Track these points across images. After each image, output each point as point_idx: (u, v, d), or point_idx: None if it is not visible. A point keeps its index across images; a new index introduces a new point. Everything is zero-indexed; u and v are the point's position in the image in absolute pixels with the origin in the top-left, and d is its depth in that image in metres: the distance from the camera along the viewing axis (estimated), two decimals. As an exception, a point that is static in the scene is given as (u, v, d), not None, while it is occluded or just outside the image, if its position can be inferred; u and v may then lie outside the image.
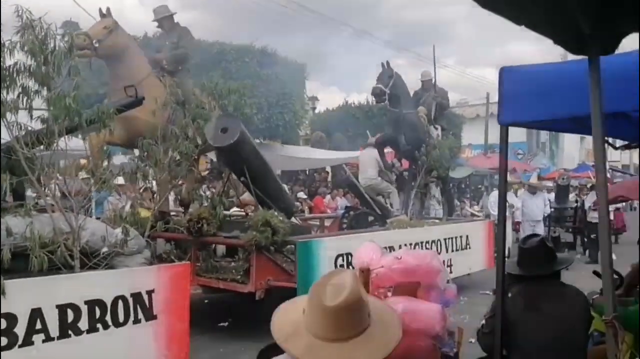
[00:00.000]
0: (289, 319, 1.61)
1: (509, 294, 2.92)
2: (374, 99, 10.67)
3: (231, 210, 9.34)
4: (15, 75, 3.77)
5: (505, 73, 3.02)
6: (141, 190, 7.69)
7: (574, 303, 2.86)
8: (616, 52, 2.05)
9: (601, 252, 2.27)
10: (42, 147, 4.14)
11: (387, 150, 10.60)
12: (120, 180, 6.71)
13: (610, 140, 4.06)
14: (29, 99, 3.88)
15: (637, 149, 4.58)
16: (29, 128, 4.09)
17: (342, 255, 6.23)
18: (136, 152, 7.44)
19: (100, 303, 4.06)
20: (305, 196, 14.57)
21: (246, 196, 8.12)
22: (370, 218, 8.84)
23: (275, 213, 6.24)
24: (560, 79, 2.85)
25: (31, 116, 4.01)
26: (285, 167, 15.85)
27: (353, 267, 2.65)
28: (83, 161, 6.62)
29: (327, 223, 9.70)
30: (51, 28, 3.86)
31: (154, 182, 7.02)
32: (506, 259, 4.39)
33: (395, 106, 9.63)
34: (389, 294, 2.28)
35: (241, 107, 6.70)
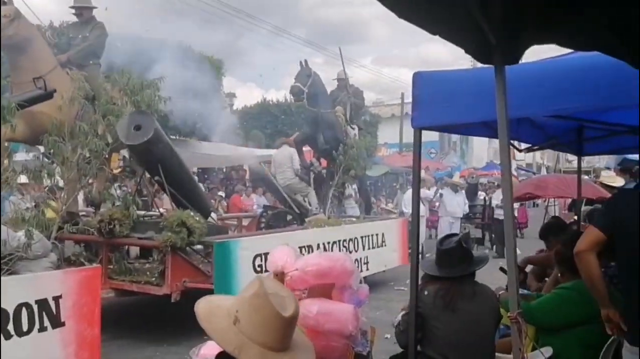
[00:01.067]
0: (222, 326, 1.61)
1: (425, 292, 3.02)
2: (292, 97, 10.71)
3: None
4: None
5: (419, 78, 3.13)
6: (46, 189, 7.28)
7: (486, 300, 3.02)
8: (521, 61, 2.19)
9: (507, 251, 2.41)
10: None
11: (306, 149, 10.67)
12: (23, 179, 6.31)
13: (516, 143, 4.34)
14: None
15: (539, 151, 4.94)
16: None
17: (260, 255, 6.21)
18: (41, 149, 7.04)
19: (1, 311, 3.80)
20: (222, 194, 14.39)
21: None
22: (289, 217, 8.87)
23: (191, 213, 6.11)
24: (470, 85, 3.00)
25: None
26: (202, 165, 15.58)
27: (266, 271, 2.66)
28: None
29: (245, 222, 9.63)
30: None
31: (61, 182, 6.66)
32: (421, 257, 4.56)
33: (313, 105, 9.71)
34: (304, 296, 2.31)
35: (155, 103, 6.48)
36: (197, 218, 6.10)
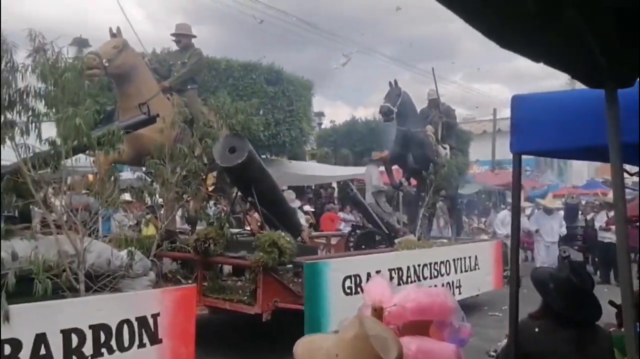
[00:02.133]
0: None
1: (536, 329, 2.78)
2: (381, 116, 10.67)
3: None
4: (25, 97, 3.76)
5: (517, 101, 2.98)
6: (147, 208, 7.69)
7: (603, 343, 2.74)
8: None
9: (621, 284, 2.19)
10: (48, 169, 4.11)
11: (395, 168, 10.57)
12: (127, 197, 6.70)
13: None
14: (38, 121, 3.88)
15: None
16: (37, 150, 4.08)
17: (349, 277, 6.17)
18: (144, 169, 7.46)
19: (105, 327, 4.01)
20: (311, 212, 14.54)
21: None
22: (378, 238, 8.77)
23: (282, 233, 6.19)
24: (574, 107, 2.81)
25: (40, 138, 4.00)
26: (292, 183, 15.82)
27: (362, 290, 2.59)
28: (90, 177, 6.63)
29: (333, 241, 9.64)
30: (62, 52, 3.87)
31: (161, 201, 7.00)
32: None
33: (402, 124, 9.62)
34: (398, 332, 2.22)
35: (248, 126, 6.68)
36: (288, 238, 6.17)
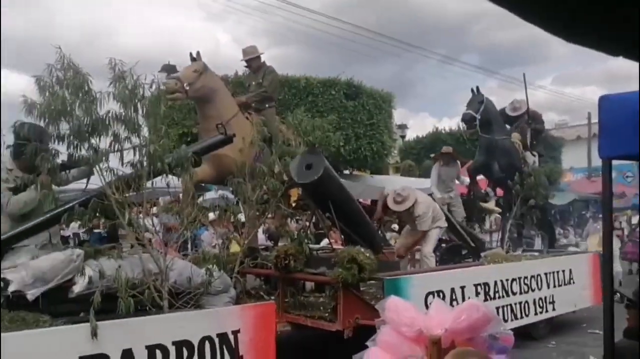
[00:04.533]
0: None
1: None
2: (463, 125, 10.34)
3: (322, 243, 9.34)
4: (107, 123, 3.97)
5: (606, 102, 2.76)
6: (232, 226, 7.88)
7: None
8: None
9: None
10: (131, 191, 4.30)
11: (480, 178, 10.19)
12: (212, 216, 6.90)
13: None
14: (119, 145, 4.08)
15: None
16: (120, 173, 4.28)
17: (432, 293, 5.96)
18: (227, 188, 7.67)
19: (187, 343, 4.10)
20: (396, 227, 14.31)
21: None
22: (464, 251, 8.46)
23: (362, 249, 6.10)
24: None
25: (122, 162, 4.20)
26: (375, 197, 15.70)
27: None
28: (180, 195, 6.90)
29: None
30: (140, 78, 4.05)
31: (243, 218, 7.15)
32: (618, 295, 3.95)
33: (486, 131, 9.27)
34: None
35: (327, 143, 6.69)
36: (368, 254, 6.07)
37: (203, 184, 7.52)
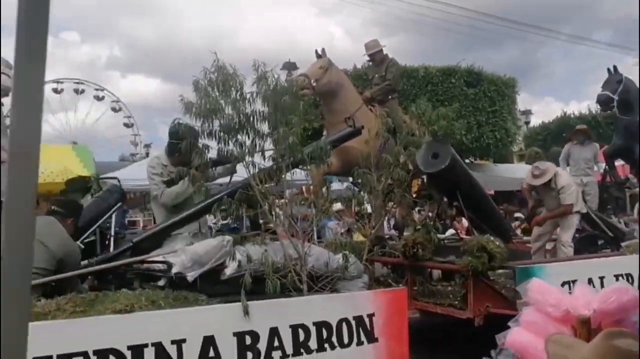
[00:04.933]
0: None
1: None
2: (598, 107, 9.74)
3: (447, 233, 9.30)
4: (252, 121, 4.34)
5: None
6: (357, 215, 8.10)
7: None
8: None
9: None
10: (272, 182, 4.66)
11: (618, 163, 9.55)
12: (338, 206, 7.16)
13: None
14: (262, 141, 4.45)
15: None
16: (262, 166, 4.65)
17: (567, 283, 5.75)
18: (351, 180, 7.91)
19: (326, 324, 4.35)
20: (522, 216, 13.80)
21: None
22: (600, 241, 8.01)
23: (491, 238, 6.04)
24: None
25: (264, 156, 4.57)
26: (499, 188, 15.23)
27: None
28: (306, 188, 7.25)
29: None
30: (280, 79, 4.38)
31: (369, 208, 7.34)
32: None
33: (626, 113, 8.68)
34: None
35: (451, 131, 6.67)
36: (497, 243, 5.99)
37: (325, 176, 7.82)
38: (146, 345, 3.72)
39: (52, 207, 4.83)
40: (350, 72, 12.90)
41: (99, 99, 40.88)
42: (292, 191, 7.43)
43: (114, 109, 41.57)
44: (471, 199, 6.66)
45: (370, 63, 8.45)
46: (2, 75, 5.60)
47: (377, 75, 8.09)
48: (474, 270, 5.75)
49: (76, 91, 40.15)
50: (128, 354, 3.63)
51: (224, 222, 12.20)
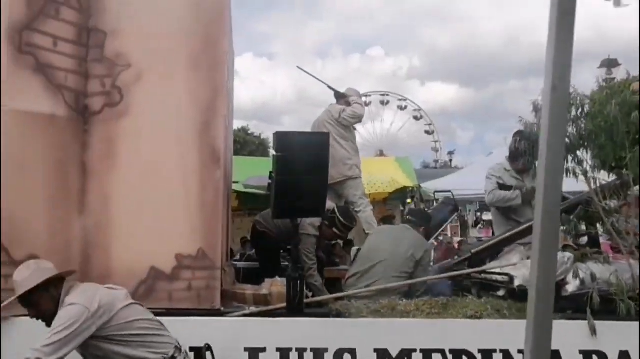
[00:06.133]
0: None
1: None
2: None
3: None
4: (593, 138, 4.21)
5: None
6: None
7: None
8: None
9: None
10: (617, 199, 4.43)
11: None
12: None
13: None
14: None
15: None
16: (604, 182, 4.49)
17: None
18: None
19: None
20: None
21: None
22: None
23: None
24: None
25: (607, 170, 4.40)
26: None
27: None
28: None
29: None
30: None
31: None
32: None
33: None
34: None
35: None
36: None
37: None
38: (495, 351, 4.02)
39: (407, 217, 5.53)
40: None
41: (401, 108, 43.58)
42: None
43: (415, 118, 43.79)
44: None
45: None
46: (356, 105, 6.65)
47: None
48: None
49: (382, 102, 43.51)
50: (479, 356, 3.98)
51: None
